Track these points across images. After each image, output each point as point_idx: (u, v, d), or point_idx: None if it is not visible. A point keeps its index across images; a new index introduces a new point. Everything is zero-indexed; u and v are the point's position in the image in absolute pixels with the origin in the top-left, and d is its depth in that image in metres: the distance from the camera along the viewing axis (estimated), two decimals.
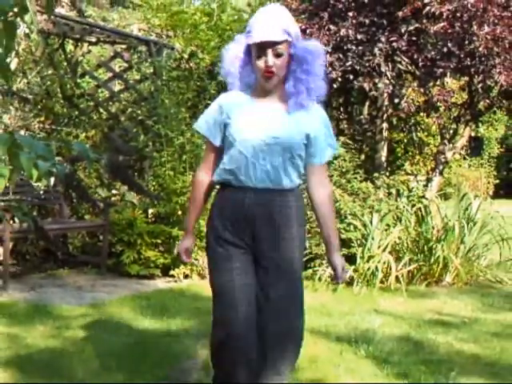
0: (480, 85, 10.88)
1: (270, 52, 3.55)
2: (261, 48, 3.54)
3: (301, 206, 3.90)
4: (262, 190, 3.70)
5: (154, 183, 8.99)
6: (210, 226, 3.90)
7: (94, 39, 9.92)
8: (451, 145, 12.11)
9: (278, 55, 3.58)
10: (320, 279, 8.21)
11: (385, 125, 12.37)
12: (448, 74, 11.11)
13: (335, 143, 4.01)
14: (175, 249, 4.25)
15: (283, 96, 3.76)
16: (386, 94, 11.54)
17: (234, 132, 3.72)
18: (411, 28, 10.17)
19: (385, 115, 12.17)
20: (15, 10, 2.41)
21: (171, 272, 8.37)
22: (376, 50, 10.28)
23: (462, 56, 10.18)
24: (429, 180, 11.66)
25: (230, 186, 3.78)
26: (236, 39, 3.83)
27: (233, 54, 3.80)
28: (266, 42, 3.52)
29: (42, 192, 8.69)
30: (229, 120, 3.77)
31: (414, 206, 9.20)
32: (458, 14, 9.91)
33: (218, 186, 4.00)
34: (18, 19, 2.48)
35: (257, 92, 3.79)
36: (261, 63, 3.60)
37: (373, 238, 8.51)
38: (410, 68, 10.81)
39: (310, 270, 8.45)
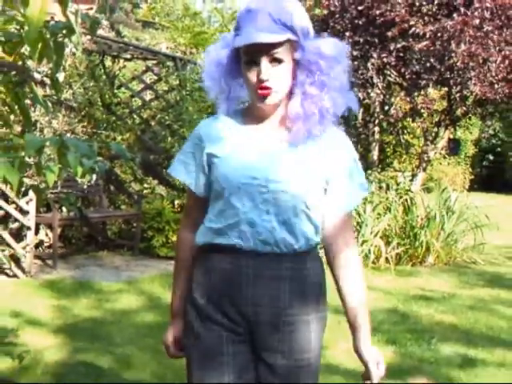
0: (458, 94, 10.89)
1: (264, 59, 2.09)
2: (251, 53, 2.09)
3: (319, 275, 2.31)
4: (265, 256, 2.17)
5: None
6: (190, 301, 2.35)
7: (128, 56, 9.93)
8: (433, 145, 12.12)
9: (275, 62, 2.10)
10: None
11: (376, 128, 12.39)
12: (430, 85, 11.12)
13: (365, 182, 2.35)
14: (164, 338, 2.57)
15: (287, 120, 2.22)
16: (377, 102, 11.54)
17: (222, 176, 2.21)
18: (399, 46, 10.14)
19: (376, 120, 12.17)
20: (64, 32, 2.42)
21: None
22: (369, 65, 10.28)
23: (442, 70, 10.18)
24: (414, 176, 11.65)
25: (218, 250, 2.22)
26: (222, 38, 2.29)
27: (215, 60, 2.27)
28: (255, 44, 2.06)
29: (85, 186, 8.70)
30: (214, 159, 2.24)
31: (401, 197, 9.18)
32: (439, 34, 9.89)
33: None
34: (66, 40, 2.48)
35: (250, 116, 2.27)
36: (252, 75, 2.12)
37: (366, 225, 8.51)
38: (398, 80, 10.79)
39: None
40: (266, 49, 2.07)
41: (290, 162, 2.18)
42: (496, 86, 10.30)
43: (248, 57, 2.11)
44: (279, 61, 2.10)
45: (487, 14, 9.97)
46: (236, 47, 2.15)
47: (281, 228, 2.16)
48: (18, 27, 2.52)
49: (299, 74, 2.15)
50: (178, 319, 2.50)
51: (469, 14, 9.89)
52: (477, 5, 9.90)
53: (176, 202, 8.80)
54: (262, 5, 2.09)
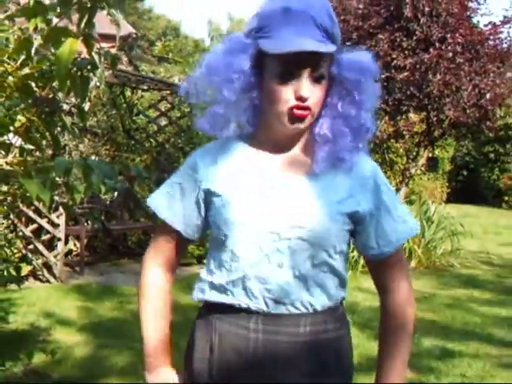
0: (435, 118, 10.91)
1: (306, 72, 1.47)
2: (289, 64, 1.46)
3: (346, 340, 1.76)
4: (278, 317, 1.54)
5: None
6: (187, 370, 1.84)
7: (145, 87, 9.96)
8: (414, 163, 12.12)
9: (317, 80, 1.49)
10: None
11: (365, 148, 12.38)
12: (411, 111, 11.16)
13: (408, 214, 1.67)
14: None
15: (309, 146, 1.60)
16: None
17: (223, 222, 1.57)
18: (383, 76, 10.17)
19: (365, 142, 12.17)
20: (89, 67, 2.44)
21: (204, 260, 8.37)
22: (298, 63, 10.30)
23: (421, 97, 10.21)
24: (397, 190, 11.62)
25: (220, 311, 1.61)
26: (234, 40, 1.56)
27: (234, 67, 1.52)
28: (301, 53, 1.43)
29: (107, 202, 8.72)
30: (214, 197, 1.60)
31: None
32: (418, 66, 9.94)
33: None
34: (91, 74, 2.51)
35: (263, 143, 1.61)
36: (286, 91, 1.48)
37: None
38: (382, 106, 10.81)
39: None
40: (311, 60, 1.47)
41: (311, 201, 1.55)
42: (468, 110, 10.34)
43: (284, 68, 1.47)
44: (321, 77, 1.50)
45: (459, 49, 10.03)
46: (261, 53, 1.50)
47: (298, 283, 1.54)
48: (48, 64, 2.55)
49: (333, 92, 1.58)
50: (166, 369, 1.91)
51: (443, 48, 9.95)
52: (450, 40, 9.96)
53: None
54: (306, 6, 1.46)
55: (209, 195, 1.62)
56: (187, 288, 6.93)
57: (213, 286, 1.61)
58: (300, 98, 1.47)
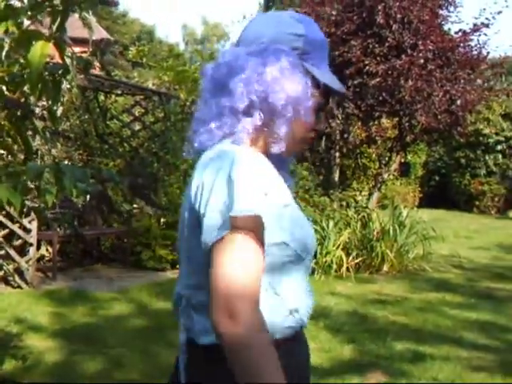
0: (407, 124, 11.02)
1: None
2: (327, 101, 1.58)
3: None
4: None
5: (164, 199, 8.98)
6: None
7: (119, 92, 9.95)
8: (387, 168, 12.22)
9: None
10: None
11: (337, 154, 12.44)
12: (383, 116, 11.26)
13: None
14: None
15: None
16: (337, 131, 11.63)
17: (301, 237, 1.45)
18: (355, 82, 10.25)
19: (337, 146, 12.24)
20: (61, 72, 2.43)
21: (177, 265, 8.35)
22: (330, 99, 10.36)
23: (393, 103, 10.31)
24: (370, 195, 11.74)
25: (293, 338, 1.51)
26: (287, 53, 1.47)
27: (307, 90, 1.47)
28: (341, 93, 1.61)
29: (80, 206, 8.67)
30: (287, 207, 1.43)
31: (359, 214, 9.23)
32: (390, 72, 10.03)
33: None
34: (63, 78, 2.50)
35: (274, 158, 1.50)
36: (318, 120, 1.56)
37: (329, 239, 8.52)
38: (355, 111, 10.89)
39: None
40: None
41: None
42: (439, 116, 10.46)
43: (323, 101, 1.56)
44: None
45: (430, 55, 10.14)
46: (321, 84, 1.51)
47: None
48: (20, 68, 2.54)
49: None
50: None
51: (414, 54, 10.05)
52: (421, 47, 10.06)
53: (162, 220, 8.78)
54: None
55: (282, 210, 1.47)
56: (160, 293, 6.94)
57: (290, 312, 1.48)
58: (319, 127, 1.56)
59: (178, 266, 8.96)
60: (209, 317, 1.30)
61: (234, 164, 1.34)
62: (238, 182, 1.31)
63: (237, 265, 1.29)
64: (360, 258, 8.65)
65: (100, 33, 18.27)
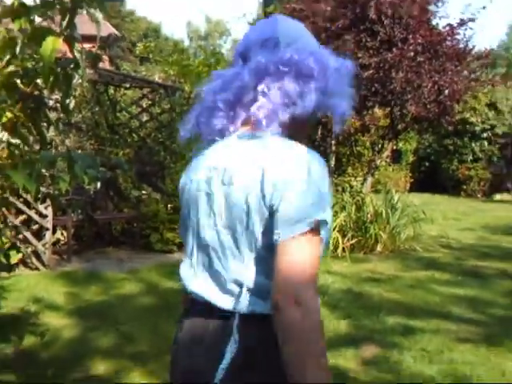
0: (398, 113, 11.00)
1: None
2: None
3: None
4: None
5: (170, 185, 8.98)
6: None
7: (128, 85, 9.93)
8: (379, 155, 12.21)
9: None
10: None
11: (333, 142, 12.43)
12: (376, 106, 11.20)
13: None
14: None
15: None
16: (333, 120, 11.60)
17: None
18: None
19: (333, 135, 12.22)
20: (71, 66, 2.43)
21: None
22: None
23: (385, 93, 10.27)
24: (364, 180, 11.72)
25: None
26: None
27: None
28: None
29: (92, 192, 8.68)
30: None
31: (354, 198, 9.23)
32: (381, 65, 9.99)
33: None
34: (74, 72, 2.49)
35: None
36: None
37: None
38: None
39: None
40: None
41: None
42: (428, 106, 10.43)
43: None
44: None
45: (419, 48, 10.09)
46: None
47: None
48: (33, 63, 2.53)
49: None
50: None
51: (405, 48, 10.00)
52: (411, 41, 10.02)
53: (169, 205, 8.79)
54: None
55: None
56: (168, 273, 6.96)
57: None
58: None
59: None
60: (264, 298, 1.41)
61: (315, 169, 1.44)
62: (324, 189, 1.42)
63: (313, 259, 1.37)
64: (355, 239, 8.66)
65: (109, 30, 18.20)
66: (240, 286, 1.47)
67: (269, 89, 1.50)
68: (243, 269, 1.48)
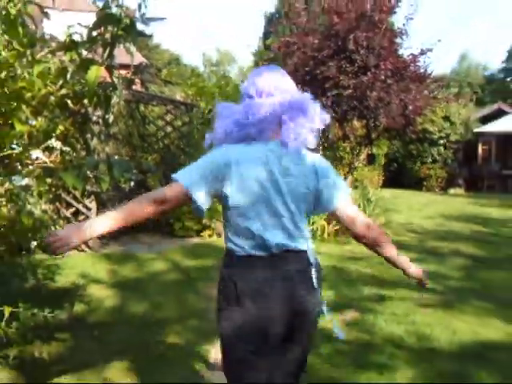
0: (372, 124, 10.96)
1: None
2: None
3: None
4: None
5: None
6: None
7: (155, 103, 9.92)
8: (357, 158, 12.19)
9: None
10: None
11: (320, 147, 12.41)
12: (354, 119, 11.17)
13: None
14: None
15: None
16: (320, 131, 11.57)
17: None
18: (333, 93, 10.20)
19: (320, 142, 12.21)
20: (110, 88, 2.44)
21: (201, 234, 8.38)
22: None
23: (361, 108, 10.24)
24: (345, 178, 11.69)
25: None
26: None
27: None
28: None
29: (127, 190, 8.68)
30: None
31: None
32: (359, 86, 9.96)
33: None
34: (113, 93, 2.51)
35: None
36: None
37: None
38: (333, 115, 10.85)
39: None
40: None
41: None
42: (396, 119, 10.39)
43: None
44: None
45: (389, 73, 10.05)
46: None
47: None
48: (81, 87, 2.55)
49: None
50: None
51: (377, 72, 9.97)
52: (382, 67, 9.98)
53: None
54: None
55: None
56: (189, 254, 6.96)
57: None
58: None
59: (201, 234, 8.85)
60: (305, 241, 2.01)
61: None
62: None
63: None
64: (338, 226, 8.66)
65: (139, 59, 18.18)
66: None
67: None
68: (303, 224, 2.00)
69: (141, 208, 1.91)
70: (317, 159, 2.04)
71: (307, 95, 2.07)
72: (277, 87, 2.03)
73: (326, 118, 2.08)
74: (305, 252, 1.97)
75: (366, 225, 2.02)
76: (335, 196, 1.97)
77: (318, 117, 2.04)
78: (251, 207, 1.89)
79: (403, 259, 2.22)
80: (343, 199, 1.98)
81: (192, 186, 1.88)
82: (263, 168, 1.88)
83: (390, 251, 2.17)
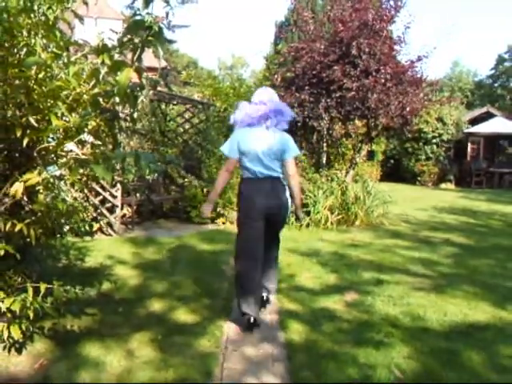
0: (372, 124, 10.89)
1: None
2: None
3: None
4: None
5: (206, 175, 9.01)
6: None
7: (175, 102, 9.91)
8: (358, 154, 12.11)
9: None
10: (292, 223, 8.23)
11: (325, 144, 12.35)
12: (356, 118, 11.11)
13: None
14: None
15: None
16: (325, 129, 11.51)
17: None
18: (337, 95, 10.13)
19: (325, 139, 12.15)
20: (138, 88, 2.44)
21: (216, 221, 8.40)
22: (320, 106, 10.25)
23: (363, 109, 10.16)
24: (347, 172, 11.63)
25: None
26: None
27: None
28: None
29: (150, 180, 8.72)
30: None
31: (339, 185, 9.17)
32: (361, 88, 9.88)
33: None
34: (139, 93, 2.51)
35: None
36: None
37: (319, 202, 8.52)
38: (337, 115, 10.78)
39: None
40: None
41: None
42: (394, 119, 10.31)
43: None
44: None
45: (388, 77, 9.96)
46: None
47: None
48: (111, 87, 2.55)
49: None
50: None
51: (378, 76, 9.88)
52: (382, 71, 9.89)
53: (205, 189, 8.82)
54: None
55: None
56: (204, 239, 7.00)
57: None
58: None
59: (215, 221, 8.89)
60: (283, 173, 3.70)
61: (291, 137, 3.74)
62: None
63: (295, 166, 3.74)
64: (340, 216, 8.65)
65: (162, 63, 18.15)
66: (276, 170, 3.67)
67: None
68: (277, 166, 3.63)
69: (227, 177, 3.69)
70: (285, 135, 3.67)
71: (284, 103, 3.70)
72: (269, 99, 3.65)
73: (293, 115, 3.75)
74: (277, 178, 3.63)
75: (292, 173, 3.64)
76: (288, 154, 3.64)
77: (289, 115, 3.65)
78: (250, 157, 3.60)
79: (297, 200, 3.80)
80: (290, 156, 3.64)
81: (235, 156, 3.62)
82: (258, 139, 3.60)
83: (294, 191, 3.71)
